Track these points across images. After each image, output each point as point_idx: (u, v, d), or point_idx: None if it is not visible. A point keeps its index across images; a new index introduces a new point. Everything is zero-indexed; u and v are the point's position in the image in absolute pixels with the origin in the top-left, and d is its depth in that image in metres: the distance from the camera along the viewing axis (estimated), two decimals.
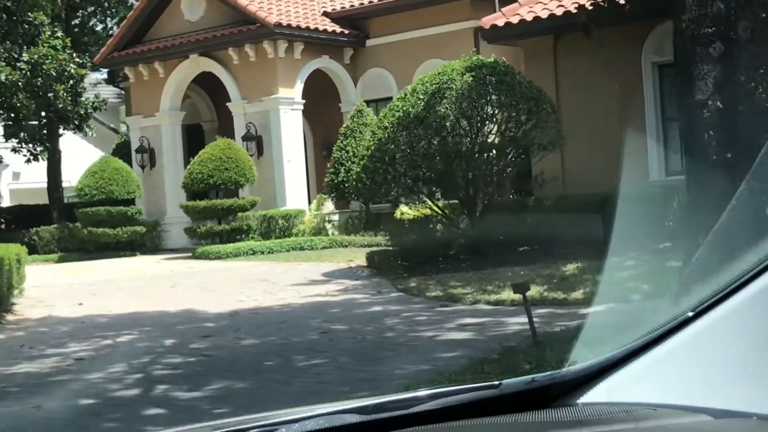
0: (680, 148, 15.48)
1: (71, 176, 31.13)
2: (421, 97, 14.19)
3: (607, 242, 13.33)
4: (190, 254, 21.14)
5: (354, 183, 14.93)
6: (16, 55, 24.60)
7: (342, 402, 1.58)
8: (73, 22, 30.11)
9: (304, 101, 22.70)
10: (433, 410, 1.48)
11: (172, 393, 6.94)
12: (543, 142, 14.14)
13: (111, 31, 33.88)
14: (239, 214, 21.18)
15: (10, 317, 12.25)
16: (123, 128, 46.94)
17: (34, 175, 36.68)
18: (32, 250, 22.18)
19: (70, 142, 30.78)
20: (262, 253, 20.00)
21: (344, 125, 21.78)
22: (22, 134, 25.18)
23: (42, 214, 27.77)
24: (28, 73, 23.89)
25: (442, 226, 15.10)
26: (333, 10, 23.61)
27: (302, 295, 12.73)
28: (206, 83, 25.37)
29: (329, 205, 22.59)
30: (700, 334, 1.37)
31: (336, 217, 22.30)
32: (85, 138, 35.10)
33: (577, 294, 10.40)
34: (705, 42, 6.34)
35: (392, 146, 14.19)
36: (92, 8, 32.12)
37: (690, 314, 1.39)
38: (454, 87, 14.04)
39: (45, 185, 33.60)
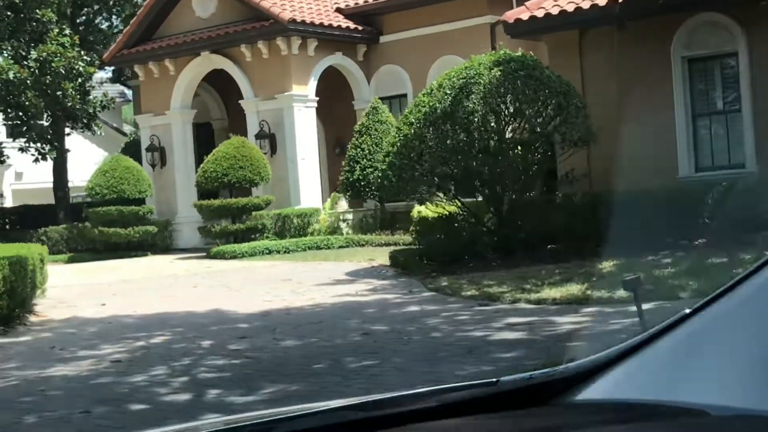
0: (710, 144, 15.26)
1: (74, 176, 30.85)
2: (448, 92, 13.90)
3: (640, 239, 13.13)
4: (204, 254, 20.86)
5: (379, 180, 14.63)
6: (23, 53, 24.26)
7: (340, 400, 1.57)
8: (78, 20, 29.79)
9: (317, 98, 22.41)
10: (431, 407, 1.47)
11: (227, 398, 6.65)
12: (573, 137, 13.87)
13: (116, 30, 33.60)
14: (253, 213, 20.89)
15: (33, 318, 11.95)
16: (125, 127, 46.81)
17: (37, 175, 36.38)
18: None
19: (72, 141, 30.45)
20: (278, 252, 19.72)
21: (359, 123, 21.50)
22: (31, 133, 24.78)
23: (47, 214, 27.47)
24: (37, 71, 23.57)
25: (467, 224, 14.81)
26: (346, 6, 23.32)
27: (331, 295, 12.45)
28: (216, 81, 25.08)
29: (343, 204, 22.31)
30: (698, 331, 1.36)
31: (350, 216, 22.02)
32: (87, 138, 34.85)
33: (622, 292, 10.08)
34: None
35: (419, 143, 13.91)
36: (97, 6, 31.82)
37: (688, 311, 1.38)
38: (481, 81, 13.76)
39: (48, 185, 33.29)
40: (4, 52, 24.53)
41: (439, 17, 22.18)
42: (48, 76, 23.64)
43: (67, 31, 24.86)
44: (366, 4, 23.18)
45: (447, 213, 15.01)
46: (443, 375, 6.78)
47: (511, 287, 11.28)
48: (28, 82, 23.38)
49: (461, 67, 14.33)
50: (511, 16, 16.19)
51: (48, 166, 27.66)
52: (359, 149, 21.00)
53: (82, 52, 24.87)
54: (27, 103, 23.49)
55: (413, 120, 14.14)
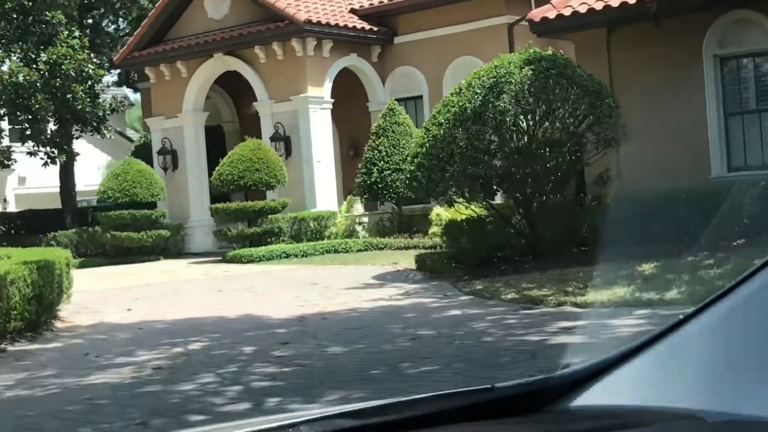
0: (743, 144, 14.99)
1: (78, 180, 30.46)
2: (478, 91, 13.61)
3: (677, 240, 12.83)
4: (218, 258, 20.57)
5: (407, 181, 14.33)
6: (32, 56, 23.93)
7: (335, 407, 1.56)
8: (84, 23, 29.49)
9: (333, 100, 22.12)
10: (427, 414, 1.47)
11: (288, 406, 6.34)
12: (607, 137, 13.59)
13: (123, 32, 33.31)
14: (269, 216, 20.58)
15: (58, 324, 11.63)
16: (128, 132, 46.47)
17: (41, 180, 36.07)
18: None
19: (75, 145, 30.12)
20: (296, 256, 19.43)
21: (375, 124, 21.21)
22: (41, 137, 24.43)
23: (54, 219, 27.13)
24: (47, 73, 23.24)
25: (496, 227, 14.52)
26: (360, 6, 23.05)
27: (364, 300, 12.16)
28: (227, 83, 24.80)
29: (359, 207, 22.02)
30: (694, 336, 1.36)
31: (366, 219, 21.73)
32: (90, 142, 34.52)
33: (672, 294, 9.82)
34: None
35: (449, 143, 13.62)
36: (103, 9, 31.53)
37: (681, 316, 1.38)
38: (512, 81, 13.47)
39: (51, 190, 32.94)
40: (13, 54, 24.17)
41: (455, 17, 21.91)
42: (58, 79, 23.30)
43: (77, 33, 24.54)
44: (380, 4, 22.91)
45: (474, 215, 14.72)
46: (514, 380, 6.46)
47: (551, 290, 10.99)
48: (38, 84, 23.03)
49: (490, 66, 14.03)
50: (537, 14, 15.92)
51: (51, 170, 27.31)
52: (376, 151, 20.70)
53: (92, 54, 24.54)
54: (37, 106, 23.13)
55: (442, 120, 13.85)
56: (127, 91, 40.76)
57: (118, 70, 30.81)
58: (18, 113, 24.06)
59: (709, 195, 13.61)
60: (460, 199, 14.27)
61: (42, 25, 24.26)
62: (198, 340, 9.77)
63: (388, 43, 23.04)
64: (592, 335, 8.17)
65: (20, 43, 24.08)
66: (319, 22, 21.31)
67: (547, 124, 13.73)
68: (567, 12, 15.43)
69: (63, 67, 23.16)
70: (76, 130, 25.43)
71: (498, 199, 15.54)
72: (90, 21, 30.77)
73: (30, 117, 23.89)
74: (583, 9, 15.26)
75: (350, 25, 22.18)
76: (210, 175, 22.82)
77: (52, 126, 25.07)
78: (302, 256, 19.41)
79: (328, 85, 22.06)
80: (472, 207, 14.52)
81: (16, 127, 25.41)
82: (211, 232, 23.44)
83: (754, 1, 14.02)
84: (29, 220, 29.09)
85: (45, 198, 34.92)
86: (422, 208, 21.15)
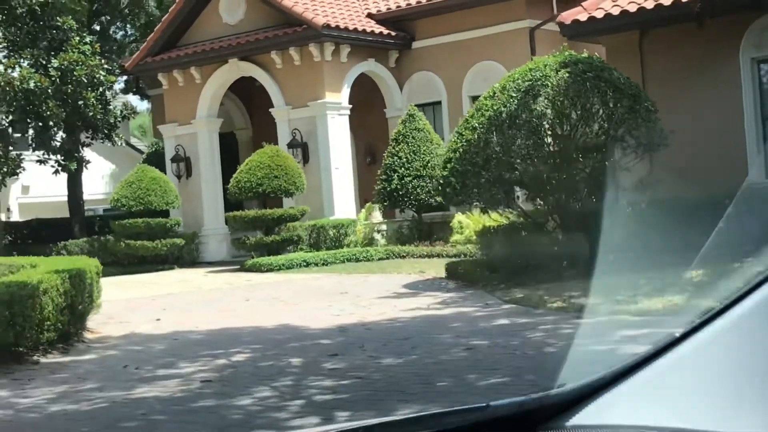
0: None
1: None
2: (513, 95, 13.28)
3: (715, 247, 12.46)
4: (236, 267, 20.20)
5: (440, 187, 13.98)
6: (43, 62, 23.55)
7: (330, 426, 1.54)
8: (92, 27, 29.17)
9: (350, 106, 21.78)
10: None
11: (361, 420, 5.97)
12: (646, 142, 13.25)
13: (130, 39, 33.00)
14: (288, 224, 20.21)
15: (88, 335, 11.25)
16: (132, 140, 46.09)
17: (44, 189, 35.68)
18: None
19: (84, 152, 29.75)
20: (316, 264, 19.06)
21: (395, 130, 20.86)
22: (51, 145, 24.03)
23: (61, 228, 26.72)
24: (58, 79, 22.87)
25: (529, 233, 14.17)
26: (378, 11, 22.73)
27: (401, 309, 11.80)
28: (240, 90, 24.47)
29: (377, 215, 21.67)
30: (687, 356, 1.35)
31: (384, 227, 21.39)
32: (94, 150, 34.15)
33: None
34: None
35: (483, 148, 13.28)
36: (110, 17, 31.23)
37: (677, 335, 1.38)
38: (549, 84, 13.16)
39: (55, 199, 32.55)
40: (24, 60, 23.80)
41: (475, 22, 21.59)
42: (70, 86, 22.92)
43: (88, 39, 24.18)
44: (398, 9, 22.59)
45: (506, 221, 14.39)
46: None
47: (601, 298, 10.63)
48: (50, 91, 22.64)
49: (525, 68, 13.71)
50: (567, 17, 15.59)
51: (55, 180, 26.91)
52: (396, 158, 20.36)
53: (103, 61, 24.18)
54: (48, 113, 22.73)
55: (476, 125, 13.52)
56: (132, 99, 40.45)
57: (124, 78, 30.48)
58: (28, 120, 23.64)
59: (751, 201, 13.28)
60: (499, 205, 13.94)
61: (53, 30, 23.89)
62: (240, 351, 9.41)
63: (406, 48, 22.72)
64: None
65: (30, 49, 23.70)
66: (337, 27, 20.99)
67: (584, 128, 13.39)
68: (599, 14, 15.11)
69: (75, 73, 22.78)
70: (87, 137, 25.03)
71: (526, 206, 15.19)
72: (97, 27, 30.46)
73: (41, 124, 23.47)
74: (615, 11, 14.94)
75: (368, 29, 21.86)
76: (224, 182, 22.49)
77: (61, 133, 24.66)
78: (322, 264, 19.05)
79: (346, 91, 21.72)
80: (506, 213, 14.19)
81: (24, 135, 25.04)
82: (225, 240, 23.08)
83: None
84: (36, 229, 28.68)
85: (49, 207, 34.50)
86: (442, 216, 20.81)
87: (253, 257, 19.79)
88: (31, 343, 9.58)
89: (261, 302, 13.87)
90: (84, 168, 25.44)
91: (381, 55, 22.55)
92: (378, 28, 22.19)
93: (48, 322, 9.66)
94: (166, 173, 22.96)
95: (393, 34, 22.34)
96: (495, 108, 13.37)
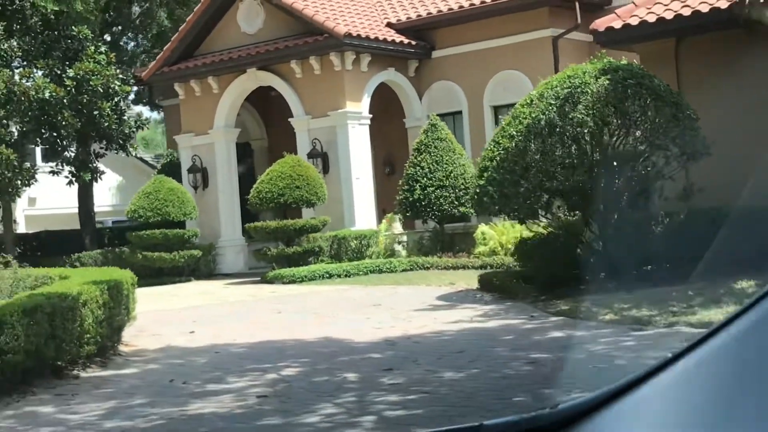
0: None
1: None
2: (552, 102, 13.01)
3: (759, 259, 12.16)
4: (256, 278, 19.89)
5: (477, 197, 13.68)
6: (58, 72, 23.26)
7: None
8: (104, 37, 28.91)
9: (371, 116, 21.51)
10: None
11: None
12: (690, 150, 12.97)
13: (142, 49, 32.78)
14: (309, 235, 19.89)
15: (123, 348, 10.92)
16: (138, 151, 45.76)
17: (51, 201, 35.33)
18: None
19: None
20: (338, 276, 18.75)
21: (417, 140, 20.58)
22: (65, 154, 23.72)
23: (71, 240, 26.39)
24: (73, 89, 22.58)
25: (567, 244, 13.86)
26: (397, 21, 22.47)
27: (443, 322, 11.48)
28: (255, 100, 24.20)
29: (398, 226, 21.37)
30: (684, 375, 1.34)
31: (405, 238, 21.09)
32: (100, 162, 33.86)
33: None
34: None
35: (522, 156, 12.99)
36: (121, 27, 31.00)
37: (670, 355, 1.37)
38: (589, 91, 12.88)
39: (62, 211, 32.19)
40: (38, 70, 23.52)
41: (496, 31, 21.35)
42: (85, 95, 22.64)
43: (103, 49, 23.91)
44: (418, 18, 22.34)
45: (544, 232, 14.09)
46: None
47: (654, 310, 10.33)
48: (65, 101, 22.36)
49: (563, 75, 13.46)
50: (601, 24, 15.31)
51: (62, 191, 26.60)
52: (418, 168, 20.07)
53: (118, 71, 23.92)
54: (64, 123, 22.43)
55: (514, 132, 13.24)
56: (142, 110, 40.14)
57: (134, 89, 30.23)
58: (42, 131, 23.35)
59: None
60: (537, 215, 13.66)
61: (67, 40, 23.62)
62: (288, 365, 9.09)
63: (426, 57, 22.46)
64: None
65: (45, 59, 23.42)
66: (358, 36, 20.73)
67: (625, 136, 13.10)
68: (634, 22, 14.82)
69: (91, 83, 22.50)
70: (100, 148, 24.74)
71: (564, 215, 14.90)
72: (109, 38, 30.21)
73: (55, 134, 23.17)
74: (651, 18, 14.66)
75: (389, 38, 21.61)
76: (241, 193, 22.20)
77: (81, 144, 24.36)
78: (345, 276, 18.74)
79: (366, 100, 21.45)
80: (543, 224, 13.89)
81: (38, 146, 24.70)
82: (242, 252, 22.77)
83: None
84: (45, 241, 28.36)
85: (56, 219, 34.15)
86: (463, 227, 20.52)
87: (274, 268, 19.46)
88: (70, 357, 9.26)
89: (293, 314, 13.55)
90: (99, 179, 25.12)
91: (401, 65, 22.30)
92: (398, 38, 21.94)
93: (88, 335, 9.36)
94: (181, 184, 22.66)
95: (413, 43, 22.09)
96: (533, 116, 13.09)
